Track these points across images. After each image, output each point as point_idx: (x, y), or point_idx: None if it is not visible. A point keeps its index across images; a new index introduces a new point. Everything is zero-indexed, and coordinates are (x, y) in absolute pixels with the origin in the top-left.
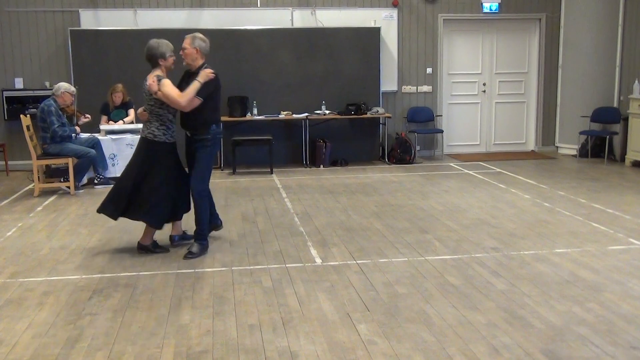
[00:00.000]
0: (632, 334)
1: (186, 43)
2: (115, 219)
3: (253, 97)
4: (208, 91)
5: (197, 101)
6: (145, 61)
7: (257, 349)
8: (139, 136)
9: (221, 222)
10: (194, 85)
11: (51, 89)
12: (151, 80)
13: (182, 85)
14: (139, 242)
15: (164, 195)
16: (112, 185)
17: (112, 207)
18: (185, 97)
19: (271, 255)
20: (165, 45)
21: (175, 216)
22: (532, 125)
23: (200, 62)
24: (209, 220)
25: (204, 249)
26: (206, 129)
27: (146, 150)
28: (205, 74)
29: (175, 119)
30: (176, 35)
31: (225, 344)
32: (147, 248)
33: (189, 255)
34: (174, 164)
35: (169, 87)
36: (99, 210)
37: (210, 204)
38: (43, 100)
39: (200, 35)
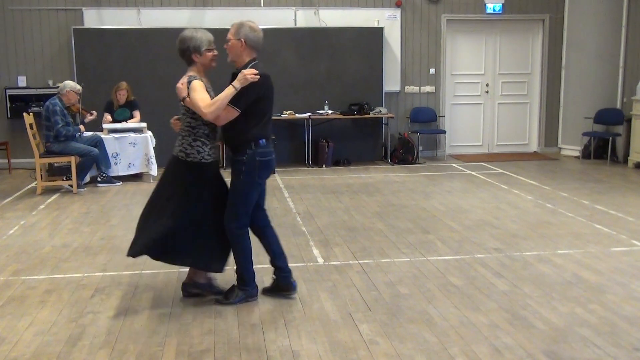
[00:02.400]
0: (634, 335)
1: (230, 33)
2: (154, 258)
3: None
4: (248, 99)
5: (233, 112)
6: (148, 60)
7: (259, 348)
8: (141, 135)
9: (291, 283)
10: (228, 91)
11: (55, 87)
12: (181, 82)
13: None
14: (184, 283)
15: (204, 233)
16: (114, 184)
17: (140, 247)
18: (212, 107)
19: None
20: (200, 37)
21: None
22: (534, 126)
23: (246, 58)
24: (271, 261)
25: (242, 298)
26: (243, 148)
27: (174, 172)
28: (244, 76)
29: (215, 132)
30: (179, 35)
31: (227, 343)
32: (199, 286)
33: (222, 299)
34: (213, 192)
35: (198, 93)
36: (133, 254)
37: (269, 242)
38: (47, 99)
39: (250, 23)
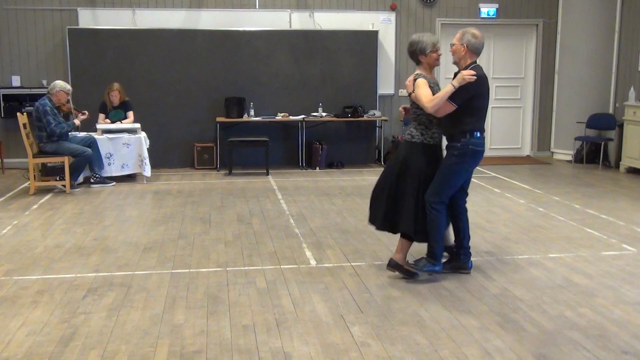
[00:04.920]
0: (623, 339)
1: (455, 38)
2: (380, 229)
3: (250, 99)
4: (465, 96)
5: (451, 107)
6: (142, 61)
7: (250, 350)
8: (134, 135)
9: (469, 263)
10: (447, 89)
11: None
12: (409, 79)
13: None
14: (391, 259)
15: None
16: (108, 185)
17: (374, 216)
18: (433, 102)
19: (266, 256)
20: (426, 40)
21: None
22: (527, 131)
23: (468, 61)
24: (459, 240)
25: (427, 270)
26: (458, 137)
27: (405, 151)
28: (462, 76)
29: (437, 120)
30: (174, 36)
31: (219, 344)
32: (399, 267)
33: (413, 265)
34: (430, 169)
35: (421, 89)
36: (371, 221)
37: (463, 223)
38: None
39: (474, 30)
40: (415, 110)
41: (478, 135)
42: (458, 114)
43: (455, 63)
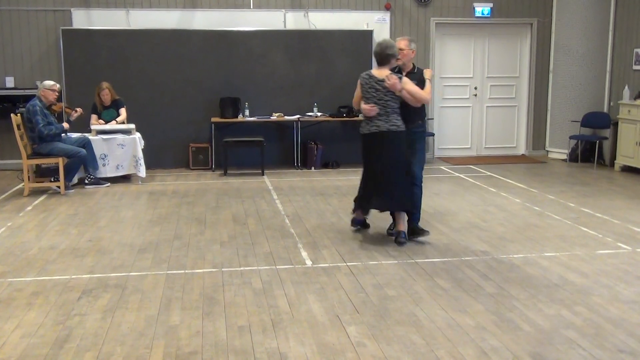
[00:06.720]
0: (619, 337)
1: (404, 45)
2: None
3: (245, 99)
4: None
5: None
6: (137, 62)
7: (246, 350)
8: (129, 136)
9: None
10: (429, 84)
11: None
12: (394, 79)
13: None
14: (401, 232)
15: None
16: (102, 186)
17: (366, 203)
18: (429, 95)
19: (261, 257)
20: (397, 46)
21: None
22: (522, 129)
23: (412, 63)
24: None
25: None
26: (422, 122)
27: (393, 140)
28: (431, 73)
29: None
30: (168, 36)
31: (214, 345)
32: (414, 233)
33: (416, 236)
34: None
35: (411, 85)
36: (361, 207)
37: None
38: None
39: (409, 38)
40: (393, 104)
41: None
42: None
43: (402, 65)
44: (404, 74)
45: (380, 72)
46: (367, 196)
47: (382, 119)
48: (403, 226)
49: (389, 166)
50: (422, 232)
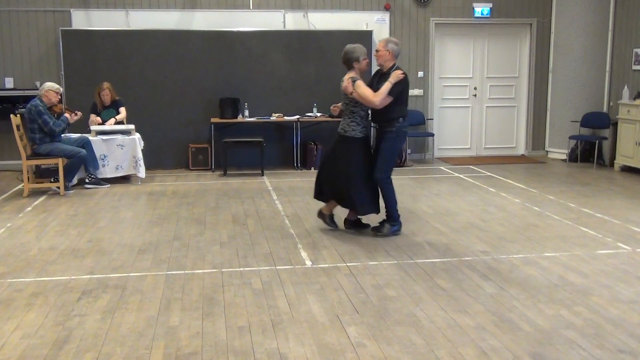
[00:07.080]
0: (619, 337)
1: (380, 46)
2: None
3: (245, 99)
4: (398, 90)
5: (389, 99)
6: (136, 62)
7: (246, 351)
8: (129, 137)
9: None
10: (386, 86)
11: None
12: (347, 82)
13: (373, 84)
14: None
15: (356, 183)
16: (102, 186)
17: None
18: (378, 97)
19: (261, 257)
20: (359, 50)
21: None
22: (522, 130)
23: (391, 63)
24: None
25: (393, 231)
26: (392, 123)
27: (339, 143)
28: (396, 75)
29: (368, 115)
30: (168, 37)
31: (214, 346)
32: (323, 217)
33: (376, 232)
34: (362, 158)
35: (362, 88)
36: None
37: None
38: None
39: (394, 39)
40: (352, 108)
41: (403, 120)
42: (390, 104)
43: (380, 65)
44: (379, 74)
45: (346, 75)
46: (317, 182)
47: (341, 120)
48: (327, 210)
49: (328, 163)
50: (363, 225)
